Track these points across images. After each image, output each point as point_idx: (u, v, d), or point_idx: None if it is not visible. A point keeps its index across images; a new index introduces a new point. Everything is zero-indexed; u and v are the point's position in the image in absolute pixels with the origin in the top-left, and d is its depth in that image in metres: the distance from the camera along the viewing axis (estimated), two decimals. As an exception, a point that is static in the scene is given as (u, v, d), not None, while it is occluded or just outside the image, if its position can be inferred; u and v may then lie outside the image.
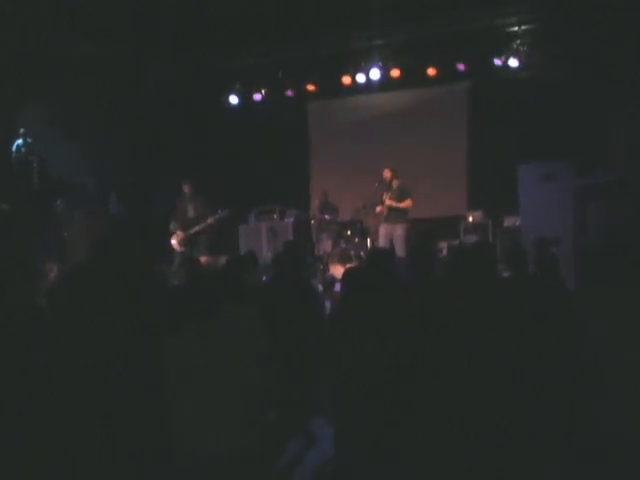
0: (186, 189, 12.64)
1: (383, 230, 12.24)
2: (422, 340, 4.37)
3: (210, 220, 12.25)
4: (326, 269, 12.32)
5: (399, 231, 12.02)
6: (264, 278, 10.57)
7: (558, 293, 5.47)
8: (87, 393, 4.10)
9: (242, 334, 4.34)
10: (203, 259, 11.28)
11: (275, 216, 14.16)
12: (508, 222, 12.85)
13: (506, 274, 7.20)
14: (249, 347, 4.29)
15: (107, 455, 4.06)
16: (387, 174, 12.24)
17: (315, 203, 14.08)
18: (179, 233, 12.40)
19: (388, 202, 12.08)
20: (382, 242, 12.18)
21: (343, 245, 13.13)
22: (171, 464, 4.14)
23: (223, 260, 11.31)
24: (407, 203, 12.04)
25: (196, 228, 12.30)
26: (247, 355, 4.24)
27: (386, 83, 14.56)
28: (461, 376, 4.06)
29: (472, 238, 12.25)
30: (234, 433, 4.11)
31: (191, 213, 12.49)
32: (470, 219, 13.50)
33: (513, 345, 4.12)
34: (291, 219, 14.01)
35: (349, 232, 13.37)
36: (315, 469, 5.34)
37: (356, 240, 13.26)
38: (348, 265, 10.59)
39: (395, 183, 12.17)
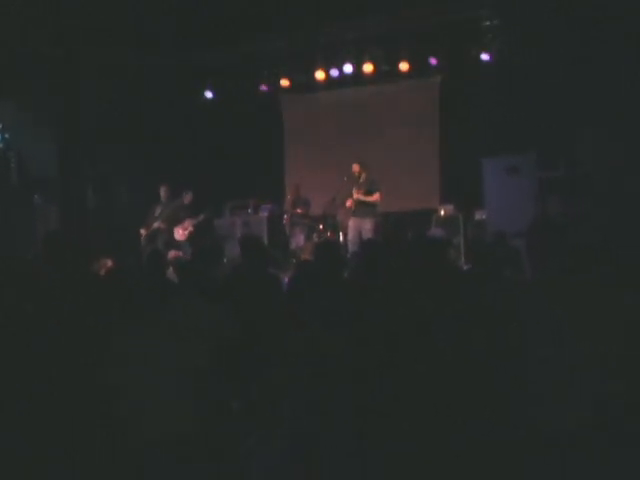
0: (162, 192, 12.92)
1: (352, 224, 12.34)
2: (371, 328, 4.48)
3: (174, 205, 12.62)
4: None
5: (367, 225, 12.10)
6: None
7: (502, 285, 5.56)
8: (32, 382, 4.18)
9: (195, 323, 4.39)
10: (172, 253, 11.49)
11: (249, 210, 14.26)
12: (478, 215, 12.96)
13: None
14: (203, 335, 4.36)
15: (55, 443, 4.16)
16: (355, 168, 12.31)
17: (288, 198, 14.19)
18: (142, 232, 12.70)
19: (356, 195, 12.17)
20: (351, 235, 12.28)
21: (316, 239, 13.25)
22: (120, 450, 4.18)
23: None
24: (375, 197, 12.14)
25: (156, 222, 12.64)
26: (200, 343, 4.31)
27: (359, 78, 14.67)
28: (416, 366, 4.17)
29: (437, 231, 12.34)
30: (182, 419, 4.17)
31: (157, 212, 12.76)
32: (442, 212, 13.56)
33: (458, 336, 4.22)
34: (265, 213, 14.11)
35: (321, 226, 13.49)
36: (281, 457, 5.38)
37: (328, 234, 13.37)
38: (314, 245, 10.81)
39: (363, 177, 12.27)
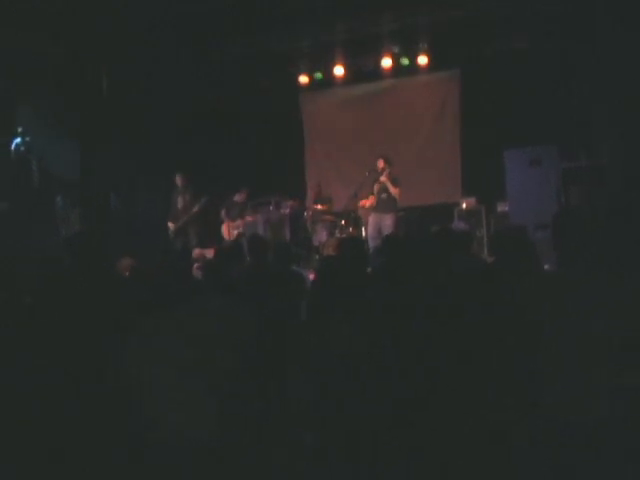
0: (178, 181, 13.10)
1: (372, 219, 12.38)
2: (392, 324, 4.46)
3: (195, 209, 12.67)
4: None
5: (388, 221, 12.14)
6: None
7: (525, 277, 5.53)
8: (53, 381, 4.19)
9: (217, 321, 4.37)
10: (196, 251, 11.52)
11: (271, 207, 14.25)
12: (501, 207, 12.88)
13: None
14: (225, 334, 4.28)
15: (72, 442, 4.15)
16: (380, 164, 12.33)
17: (310, 194, 14.17)
18: (170, 225, 12.78)
19: (384, 179, 12.20)
20: (371, 231, 12.34)
21: (338, 235, 13.23)
22: (144, 456, 4.12)
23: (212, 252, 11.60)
24: (395, 191, 12.15)
25: (184, 219, 12.69)
26: (222, 342, 4.22)
27: (378, 72, 14.64)
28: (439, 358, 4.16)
29: (460, 225, 12.29)
30: (205, 423, 4.10)
31: (180, 205, 12.87)
32: (464, 206, 13.52)
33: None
34: (287, 210, 14.10)
35: (343, 222, 13.47)
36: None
37: (350, 230, 13.35)
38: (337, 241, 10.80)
39: (386, 173, 12.25)
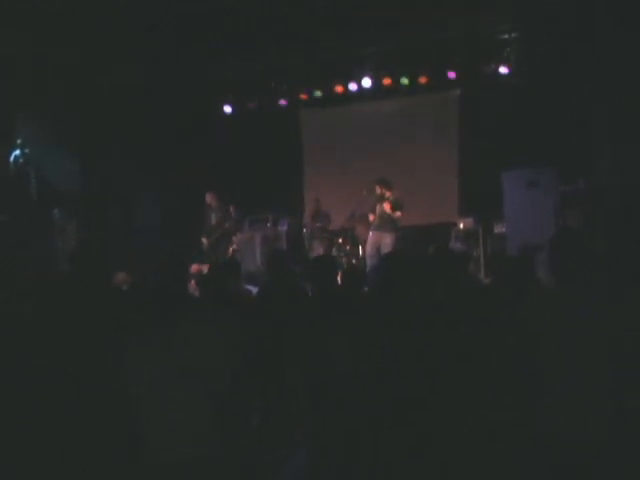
0: (208, 199, 13.22)
1: (371, 237, 12.31)
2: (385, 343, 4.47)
3: (226, 225, 12.86)
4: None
5: (387, 239, 12.04)
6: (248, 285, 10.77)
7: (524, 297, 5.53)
8: (51, 394, 4.18)
9: (212, 338, 4.33)
10: (195, 267, 11.53)
11: (268, 224, 14.26)
12: (498, 229, 12.88)
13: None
14: (220, 351, 4.26)
15: (74, 463, 4.13)
16: (377, 190, 12.24)
17: (308, 211, 14.18)
18: (204, 241, 13.21)
19: (387, 208, 12.10)
20: (369, 249, 12.28)
21: (335, 253, 13.26)
22: (139, 470, 4.12)
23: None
24: (398, 214, 12.08)
25: (215, 235, 12.99)
26: (217, 359, 4.21)
27: (378, 91, 14.62)
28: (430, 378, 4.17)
29: (457, 246, 12.27)
30: (202, 437, 4.07)
31: (213, 221, 13.10)
32: (461, 226, 13.50)
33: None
34: (284, 227, 14.10)
35: (341, 240, 13.49)
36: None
37: (348, 248, 13.38)
38: (340, 272, 10.73)
39: (388, 194, 12.17)
